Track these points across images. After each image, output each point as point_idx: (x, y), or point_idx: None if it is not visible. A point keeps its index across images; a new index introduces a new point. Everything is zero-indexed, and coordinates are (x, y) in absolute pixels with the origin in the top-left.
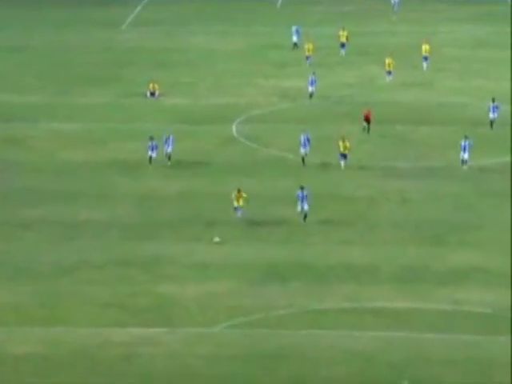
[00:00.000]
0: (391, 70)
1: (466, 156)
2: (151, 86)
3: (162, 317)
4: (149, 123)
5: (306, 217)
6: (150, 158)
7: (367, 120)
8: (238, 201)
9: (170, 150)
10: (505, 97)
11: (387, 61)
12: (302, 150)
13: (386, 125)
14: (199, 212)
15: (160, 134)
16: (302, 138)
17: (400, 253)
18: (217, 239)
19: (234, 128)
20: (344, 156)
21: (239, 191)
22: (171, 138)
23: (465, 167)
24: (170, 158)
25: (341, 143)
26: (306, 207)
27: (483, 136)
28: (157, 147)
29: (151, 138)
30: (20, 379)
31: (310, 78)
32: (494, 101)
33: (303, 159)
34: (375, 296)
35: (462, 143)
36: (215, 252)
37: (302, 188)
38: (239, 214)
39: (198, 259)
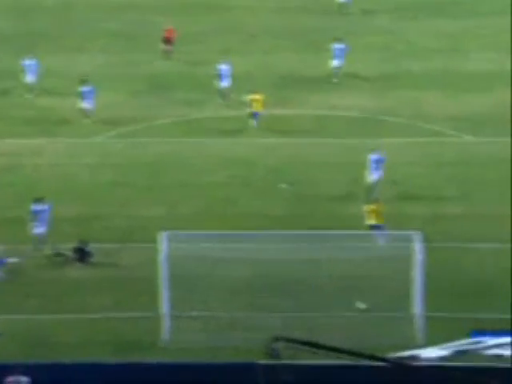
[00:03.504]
0: None
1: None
2: None
3: (45, 128)
4: None
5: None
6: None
7: (168, 40)
8: None
9: None
10: None
11: None
12: None
13: None
14: (79, 23)
15: None
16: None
17: (277, 61)
18: None
19: None
20: None
21: None
22: None
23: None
24: None
25: None
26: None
27: None
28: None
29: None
30: None
31: None
32: None
33: None
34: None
35: None
36: (97, 62)
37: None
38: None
39: (80, 70)
